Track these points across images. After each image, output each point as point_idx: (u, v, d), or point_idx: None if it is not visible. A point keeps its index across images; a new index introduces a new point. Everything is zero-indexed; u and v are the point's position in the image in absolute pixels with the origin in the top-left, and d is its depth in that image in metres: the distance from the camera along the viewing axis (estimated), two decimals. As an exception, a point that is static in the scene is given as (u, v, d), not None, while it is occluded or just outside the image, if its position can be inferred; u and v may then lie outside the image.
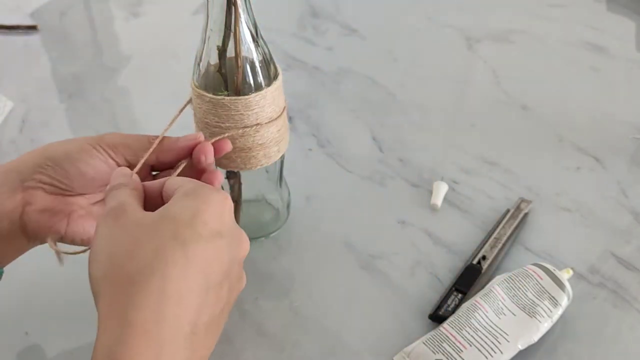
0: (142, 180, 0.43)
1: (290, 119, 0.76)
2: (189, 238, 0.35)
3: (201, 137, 0.47)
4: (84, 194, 0.48)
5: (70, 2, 1.03)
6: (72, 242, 0.48)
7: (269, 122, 0.51)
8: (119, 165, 0.46)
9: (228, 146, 0.49)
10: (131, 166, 0.46)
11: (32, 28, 0.96)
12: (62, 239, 0.47)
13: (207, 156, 0.47)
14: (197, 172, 0.47)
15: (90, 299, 0.58)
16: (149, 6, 1.02)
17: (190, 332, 0.34)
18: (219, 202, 0.38)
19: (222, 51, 0.49)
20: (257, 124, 0.51)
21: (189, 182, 0.40)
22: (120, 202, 0.39)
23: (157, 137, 0.47)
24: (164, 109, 0.79)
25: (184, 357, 0.34)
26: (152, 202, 0.41)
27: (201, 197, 0.37)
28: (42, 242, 0.47)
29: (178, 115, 0.51)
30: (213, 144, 0.48)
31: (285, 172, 0.60)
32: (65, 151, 0.46)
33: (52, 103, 0.82)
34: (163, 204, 0.39)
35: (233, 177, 0.56)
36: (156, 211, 0.37)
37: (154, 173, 0.49)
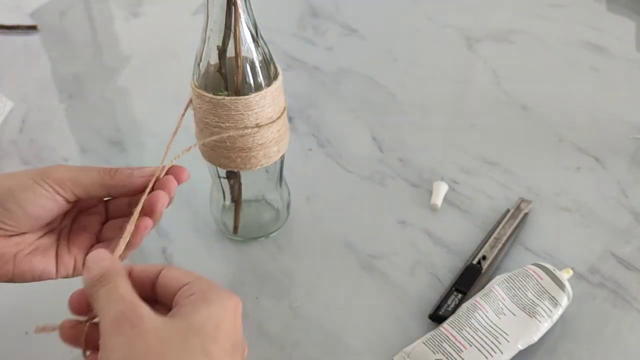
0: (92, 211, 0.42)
1: (290, 119, 0.76)
2: (216, 354, 0.33)
3: (155, 173, 0.44)
4: (29, 232, 0.44)
5: (70, 2, 1.03)
6: (23, 281, 0.44)
7: (269, 122, 0.51)
8: (67, 202, 0.43)
9: (185, 175, 0.46)
10: (80, 202, 0.44)
11: (32, 28, 0.96)
12: (11, 280, 0.44)
13: (162, 206, 0.44)
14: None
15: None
16: (149, 6, 1.02)
17: None
18: (233, 309, 0.35)
19: (222, 51, 0.49)
20: (257, 124, 0.51)
21: (198, 282, 0.36)
22: (128, 304, 0.34)
23: (109, 170, 0.44)
24: (164, 109, 0.79)
25: None
26: (139, 289, 0.36)
27: (218, 304, 0.35)
28: None
29: (180, 123, 0.50)
30: (170, 171, 0.45)
31: (285, 172, 0.60)
32: (7, 190, 0.42)
33: (52, 103, 0.82)
34: (152, 293, 0.37)
35: (233, 177, 0.56)
36: (176, 319, 0.34)
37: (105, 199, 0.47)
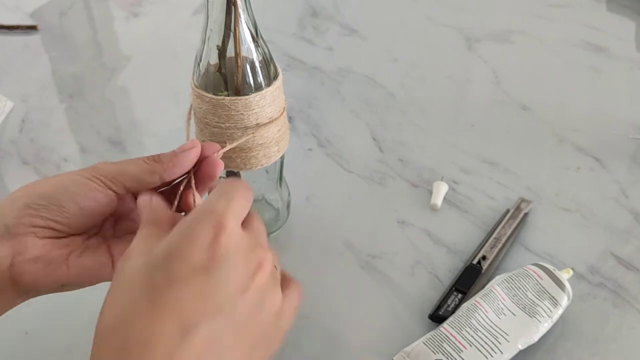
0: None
1: (290, 119, 0.76)
2: (160, 282, 0.32)
3: (196, 143, 0.43)
4: (80, 234, 0.43)
5: (70, 2, 1.03)
6: (79, 284, 0.43)
7: (269, 122, 0.51)
8: (118, 196, 0.42)
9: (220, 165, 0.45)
10: (132, 194, 0.43)
11: (32, 28, 0.96)
12: (63, 287, 0.42)
13: (218, 170, 0.43)
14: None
15: (89, 298, 0.58)
16: (149, 6, 1.02)
17: None
18: (202, 233, 0.33)
19: (222, 51, 0.49)
20: (257, 124, 0.51)
21: (187, 218, 0.35)
22: (126, 252, 0.35)
23: (152, 156, 0.43)
24: (164, 109, 0.79)
25: None
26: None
27: (185, 234, 0.34)
28: (37, 294, 0.42)
29: (188, 131, 0.50)
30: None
31: (285, 172, 0.60)
32: (60, 186, 0.40)
33: (52, 103, 0.82)
34: None
35: (233, 177, 0.56)
36: (146, 256, 0.34)
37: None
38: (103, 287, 0.57)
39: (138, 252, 0.35)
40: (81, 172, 0.41)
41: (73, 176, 0.41)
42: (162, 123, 0.75)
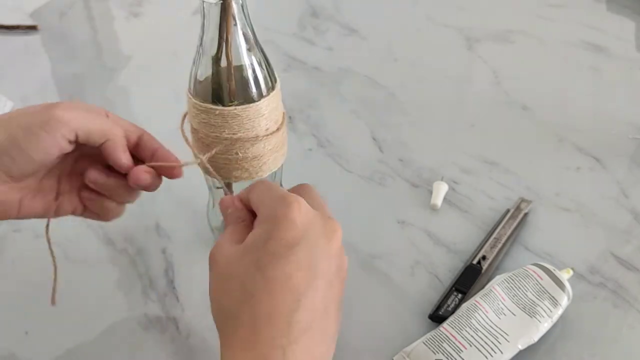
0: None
1: (290, 119, 0.76)
2: (266, 261, 0.38)
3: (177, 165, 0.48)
4: (34, 174, 0.45)
5: (70, 2, 1.03)
6: (16, 219, 0.46)
7: (266, 133, 0.51)
8: (71, 145, 0.44)
9: (179, 173, 0.48)
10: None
11: (32, 28, 0.96)
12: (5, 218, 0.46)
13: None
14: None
15: (89, 299, 0.58)
16: (149, 6, 1.02)
17: (288, 343, 0.37)
18: (286, 215, 0.39)
19: (216, 60, 0.49)
20: (255, 136, 0.50)
21: (263, 207, 0.41)
22: (216, 245, 0.41)
23: (115, 119, 0.46)
24: (164, 109, 0.79)
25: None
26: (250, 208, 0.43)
27: (271, 219, 0.39)
28: None
29: (185, 138, 0.51)
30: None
31: (285, 172, 0.59)
32: (10, 138, 0.42)
33: (52, 103, 0.82)
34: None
35: (230, 187, 0.55)
36: (242, 244, 0.40)
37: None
38: (103, 287, 0.57)
39: (229, 244, 0.41)
40: (41, 118, 0.42)
41: (29, 124, 0.42)
42: (162, 123, 0.75)
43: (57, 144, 0.43)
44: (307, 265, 0.38)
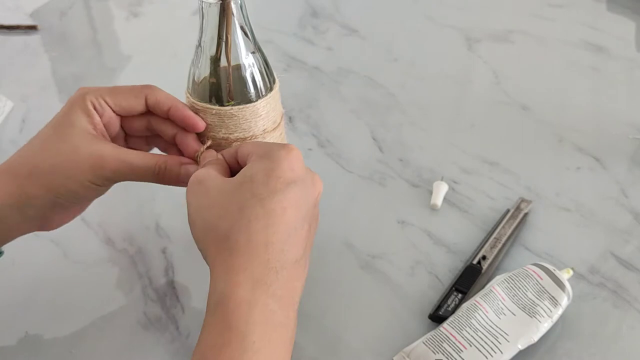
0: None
1: (290, 119, 0.76)
2: (266, 194, 0.41)
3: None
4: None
5: (70, 2, 1.03)
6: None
7: (264, 133, 0.51)
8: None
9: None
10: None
11: (32, 28, 0.96)
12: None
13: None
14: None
15: (89, 299, 0.58)
16: (149, 6, 1.02)
17: (280, 267, 0.41)
18: (286, 157, 0.43)
19: (215, 61, 0.49)
20: (252, 135, 0.50)
21: (258, 147, 0.45)
22: (198, 174, 0.45)
23: (161, 160, 0.50)
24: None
25: (276, 287, 0.41)
26: (233, 168, 0.47)
27: (272, 157, 0.43)
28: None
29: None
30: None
31: (285, 172, 0.59)
32: (62, 174, 0.48)
33: (52, 103, 0.82)
34: (240, 167, 0.45)
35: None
36: (235, 177, 0.43)
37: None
38: (103, 288, 0.57)
39: (219, 175, 0.44)
40: (84, 167, 0.48)
41: (76, 162, 0.48)
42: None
43: (97, 192, 0.50)
44: (298, 205, 0.42)
